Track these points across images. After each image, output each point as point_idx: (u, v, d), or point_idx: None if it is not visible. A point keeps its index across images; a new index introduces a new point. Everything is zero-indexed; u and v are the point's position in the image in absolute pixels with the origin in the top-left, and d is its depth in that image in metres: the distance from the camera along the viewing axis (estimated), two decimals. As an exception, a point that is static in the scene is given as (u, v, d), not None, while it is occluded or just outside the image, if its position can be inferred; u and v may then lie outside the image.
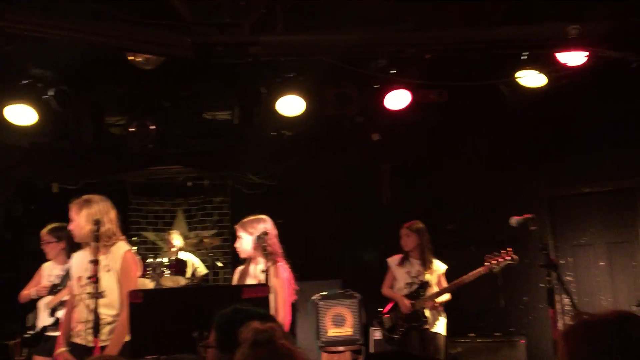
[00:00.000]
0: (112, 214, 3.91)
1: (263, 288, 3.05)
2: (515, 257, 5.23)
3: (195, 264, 7.44)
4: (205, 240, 7.74)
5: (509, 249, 5.26)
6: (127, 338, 3.47)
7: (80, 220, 3.83)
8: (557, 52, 4.60)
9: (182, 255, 7.35)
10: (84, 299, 3.75)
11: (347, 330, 6.34)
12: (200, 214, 8.95)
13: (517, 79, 5.28)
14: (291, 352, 1.82)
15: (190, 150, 6.97)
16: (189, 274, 7.24)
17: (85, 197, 3.92)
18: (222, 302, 2.68)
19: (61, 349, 3.81)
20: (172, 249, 7.25)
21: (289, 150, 6.96)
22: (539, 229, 4.30)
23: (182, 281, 7.02)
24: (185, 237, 7.85)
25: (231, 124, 6.93)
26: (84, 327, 3.68)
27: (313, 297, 6.42)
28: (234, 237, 8.38)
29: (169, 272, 7.03)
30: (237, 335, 2.34)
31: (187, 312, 2.90)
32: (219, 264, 7.88)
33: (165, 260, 7.11)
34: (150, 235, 8.64)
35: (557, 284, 4.21)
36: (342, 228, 7.51)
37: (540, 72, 5.30)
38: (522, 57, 5.17)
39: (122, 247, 3.91)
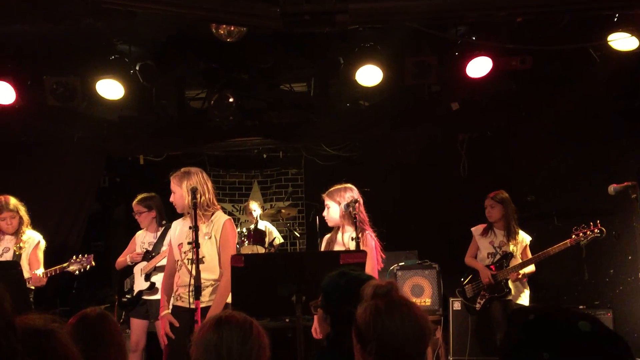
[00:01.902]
0: (210, 184, 4.06)
1: (361, 254, 3.09)
2: (603, 229, 5.08)
3: (274, 233, 7.59)
4: (282, 211, 7.87)
5: (597, 222, 5.10)
6: (229, 300, 3.65)
7: (182, 192, 3.98)
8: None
9: (261, 224, 7.51)
10: (186, 264, 3.93)
11: (425, 300, 6.33)
12: (274, 185, 9.12)
13: (609, 42, 5.05)
14: (408, 302, 1.89)
15: (267, 122, 7.07)
16: (266, 243, 7.40)
17: (184, 169, 4.07)
18: (320, 267, 2.73)
19: (165, 312, 4.00)
20: (254, 217, 7.40)
21: (366, 121, 6.94)
22: (639, 197, 4.11)
23: (260, 250, 7.18)
24: (263, 208, 8.01)
25: (308, 95, 6.97)
26: (185, 290, 3.86)
27: (391, 267, 6.43)
28: (307, 208, 8.59)
29: (248, 241, 7.21)
30: (338, 297, 2.40)
31: (286, 276, 2.97)
32: (297, 234, 8.01)
33: (244, 230, 7.30)
34: (227, 207, 8.87)
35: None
36: (419, 199, 7.46)
37: (633, 35, 5.06)
38: (614, 20, 4.96)
39: (222, 217, 4.07)
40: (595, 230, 5.06)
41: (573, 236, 5.11)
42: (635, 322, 6.03)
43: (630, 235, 6.06)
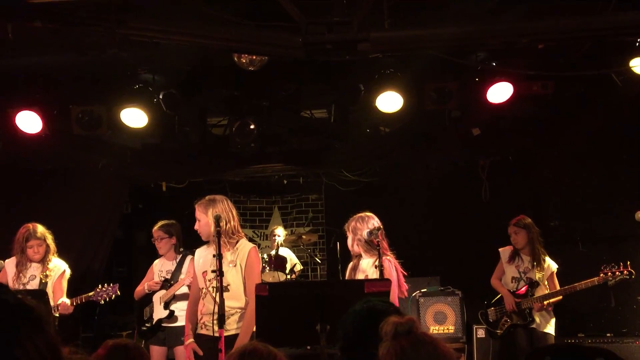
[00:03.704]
0: (234, 212, 4.08)
1: (385, 283, 3.08)
2: (632, 272, 5.01)
3: (293, 260, 7.57)
4: (303, 236, 7.86)
5: (627, 263, 5.02)
6: (254, 328, 3.64)
7: (207, 219, 4.01)
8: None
9: (281, 251, 7.50)
10: (210, 292, 3.93)
11: (448, 327, 6.25)
12: (295, 211, 9.12)
13: (631, 68, 5.03)
14: (433, 340, 1.82)
15: (288, 148, 7.11)
16: (287, 269, 7.37)
17: (209, 197, 4.10)
18: (345, 296, 2.72)
19: (190, 340, 4.00)
20: (275, 242, 7.39)
21: (386, 146, 6.95)
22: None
23: (281, 277, 7.15)
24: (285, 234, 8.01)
25: (328, 122, 7.01)
26: (210, 318, 3.86)
27: (413, 294, 6.37)
28: (328, 234, 8.57)
29: (269, 268, 7.18)
30: (359, 333, 2.33)
31: (311, 305, 2.96)
32: (318, 260, 7.98)
33: (265, 256, 7.28)
34: (248, 232, 8.88)
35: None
36: (440, 225, 7.41)
37: (655, 60, 5.04)
38: (636, 44, 4.94)
39: (247, 245, 4.09)
40: (625, 272, 4.99)
41: (601, 274, 5.05)
42: (666, 351, 5.88)
43: (658, 262, 5.94)
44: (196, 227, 4.11)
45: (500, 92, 5.67)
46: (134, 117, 5.85)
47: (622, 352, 5.76)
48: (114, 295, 5.06)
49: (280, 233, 7.49)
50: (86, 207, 6.70)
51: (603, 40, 4.30)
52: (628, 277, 4.98)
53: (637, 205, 4.81)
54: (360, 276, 4.26)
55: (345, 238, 4.56)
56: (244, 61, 5.33)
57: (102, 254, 6.79)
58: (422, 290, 6.44)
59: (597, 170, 6.46)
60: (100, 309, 7.20)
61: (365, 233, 4.26)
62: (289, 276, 7.23)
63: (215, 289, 3.80)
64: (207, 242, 4.16)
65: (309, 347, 6.20)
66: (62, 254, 5.31)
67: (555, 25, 3.72)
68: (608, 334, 6.00)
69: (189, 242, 5.27)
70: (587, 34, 3.78)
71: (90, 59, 5.33)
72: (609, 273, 5.01)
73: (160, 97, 5.85)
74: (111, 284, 5.07)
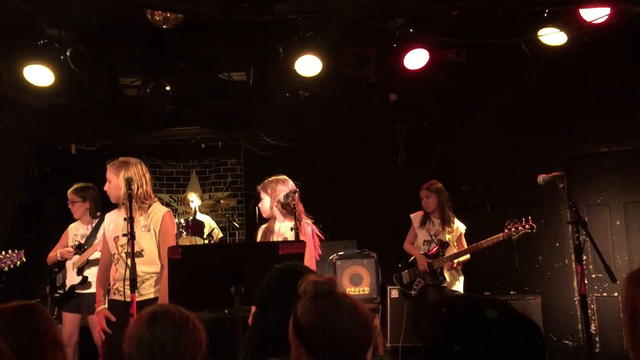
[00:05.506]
0: (148, 176, 3.97)
1: (300, 244, 3.09)
2: (534, 225, 5.25)
3: (212, 225, 7.50)
4: (222, 201, 7.78)
5: (529, 217, 5.28)
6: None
7: (117, 181, 3.88)
8: (583, 8, 4.54)
9: (199, 216, 7.40)
10: (123, 258, 3.82)
11: (364, 289, 6.42)
12: (213, 175, 9.00)
13: (539, 37, 5.24)
14: (352, 301, 1.83)
15: (205, 111, 6.95)
16: (205, 234, 7.29)
17: (122, 158, 3.96)
18: (259, 258, 2.72)
19: (101, 307, 3.89)
20: (192, 209, 7.28)
21: (305, 111, 6.93)
22: (566, 186, 4.29)
23: (199, 242, 7.08)
24: (202, 199, 7.89)
25: (247, 85, 6.90)
26: (123, 284, 3.76)
27: (330, 257, 6.48)
28: (247, 199, 8.52)
29: (186, 233, 7.09)
30: (272, 292, 2.35)
31: (225, 267, 2.94)
32: (236, 224, 7.94)
33: (182, 221, 7.17)
34: (165, 197, 8.69)
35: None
36: (357, 189, 7.53)
37: (562, 30, 5.26)
38: (544, 15, 5.14)
39: (161, 209, 3.99)
40: (527, 226, 5.23)
41: (505, 230, 5.28)
42: (563, 306, 6.32)
43: (558, 223, 6.33)
44: (106, 187, 3.98)
45: (416, 59, 5.78)
46: (39, 75, 5.53)
47: (524, 308, 6.14)
48: (19, 262, 4.84)
49: (194, 199, 7.38)
50: (-14, 171, 6.31)
51: (513, 9, 4.43)
52: (530, 230, 5.24)
53: (540, 170, 5.05)
54: (274, 239, 4.27)
55: (264, 202, 4.52)
56: (158, 18, 5.11)
57: (6, 220, 6.44)
58: (339, 253, 6.56)
59: (506, 137, 6.73)
60: (5, 276, 6.88)
61: (281, 196, 4.26)
62: (206, 241, 7.17)
63: (127, 254, 3.69)
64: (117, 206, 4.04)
65: (227, 311, 6.22)
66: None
67: (468, -7, 3.81)
68: (512, 292, 6.36)
69: (106, 206, 5.10)
70: (498, 2, 3.88)
71: (-11, 11, 4.96)
72: (512, 228, 5.26)
73: (68, 54, 5.54)
74: (16, 250, 4.85)
